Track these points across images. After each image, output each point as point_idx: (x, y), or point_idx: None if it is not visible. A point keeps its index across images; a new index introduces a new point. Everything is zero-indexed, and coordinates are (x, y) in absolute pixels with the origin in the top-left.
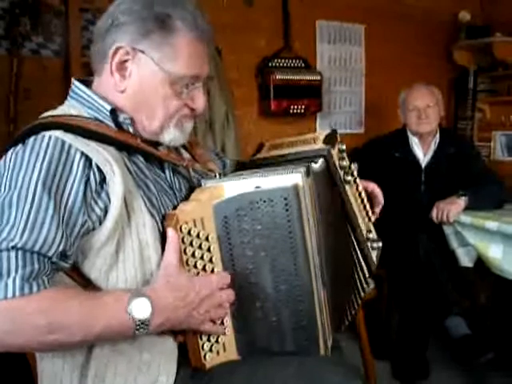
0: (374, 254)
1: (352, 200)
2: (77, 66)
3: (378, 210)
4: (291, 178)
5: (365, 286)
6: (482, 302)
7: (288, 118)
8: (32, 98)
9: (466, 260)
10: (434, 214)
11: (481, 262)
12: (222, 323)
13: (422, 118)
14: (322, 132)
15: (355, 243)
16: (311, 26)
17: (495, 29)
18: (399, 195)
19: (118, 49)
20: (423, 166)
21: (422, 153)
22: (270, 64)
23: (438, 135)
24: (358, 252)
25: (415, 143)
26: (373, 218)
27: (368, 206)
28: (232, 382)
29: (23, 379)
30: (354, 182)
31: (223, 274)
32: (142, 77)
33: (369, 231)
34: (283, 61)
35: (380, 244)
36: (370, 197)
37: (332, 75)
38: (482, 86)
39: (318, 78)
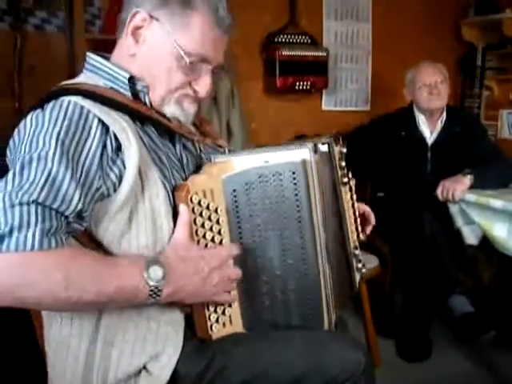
0: (356, 276)
1: (345, 205)
2: (81, 42)
3: (368, 230)
4: (299, 153)
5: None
6: (486, 280)
7: (293, 94)
8: (36, 74)
9: (471, 238)
10: (439, 192)
11: (485, 241)
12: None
13: (434, 93)
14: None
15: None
16: (318, 1)
17: (505, 5)
18: (405, 173)
19: (135, 13)
20: (429, 144)
21: (429, 131)
22: (275, 40)
23: (444, 113)
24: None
25: (422, 121)
26: (362, 237)
27: (359, 222)
28: (236, 356)
29: (28, 346)
30: (350, 190)
31: (232, 246)
32: (153, 45)
33: (355, 248)
34: (289, 37)
35: (364, 270)
36: (362, 218)
37: (338, 52)
38: (490, 63)
39: (325, 54)
